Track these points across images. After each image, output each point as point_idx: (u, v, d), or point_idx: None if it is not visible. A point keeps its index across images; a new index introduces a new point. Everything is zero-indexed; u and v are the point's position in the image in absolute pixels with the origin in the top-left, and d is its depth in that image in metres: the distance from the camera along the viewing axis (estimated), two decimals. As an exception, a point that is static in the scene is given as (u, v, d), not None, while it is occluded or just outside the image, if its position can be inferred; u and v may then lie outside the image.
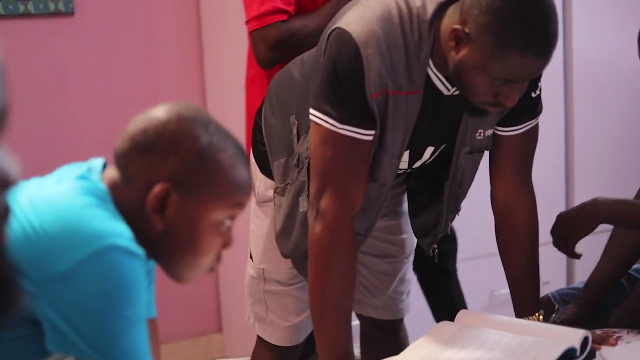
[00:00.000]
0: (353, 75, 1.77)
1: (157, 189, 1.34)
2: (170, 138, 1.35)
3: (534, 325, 1.92)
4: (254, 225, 2.23)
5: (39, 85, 3.31)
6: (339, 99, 1.79)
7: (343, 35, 1.78)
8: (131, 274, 1.28)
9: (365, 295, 2.27)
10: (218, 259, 1.44)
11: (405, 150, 1.92)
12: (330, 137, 1.82)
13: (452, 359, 1.79)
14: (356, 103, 1.79)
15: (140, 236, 1.34)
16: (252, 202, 2.25)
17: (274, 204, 2.09)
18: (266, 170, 2.15)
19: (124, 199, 1.37)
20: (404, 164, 1.98)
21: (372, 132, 1.82)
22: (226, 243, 1.42)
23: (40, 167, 1.65)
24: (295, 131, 2.00)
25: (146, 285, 1.52)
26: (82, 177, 1.37)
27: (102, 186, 1.36)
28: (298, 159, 1.98)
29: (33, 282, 1.25)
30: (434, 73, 1.83)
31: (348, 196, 1.85)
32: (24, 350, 1.32)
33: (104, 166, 1.43)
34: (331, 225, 1.84)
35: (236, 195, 1.40)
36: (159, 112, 1.38)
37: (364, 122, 1.80)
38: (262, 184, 2.18)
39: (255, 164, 2.18)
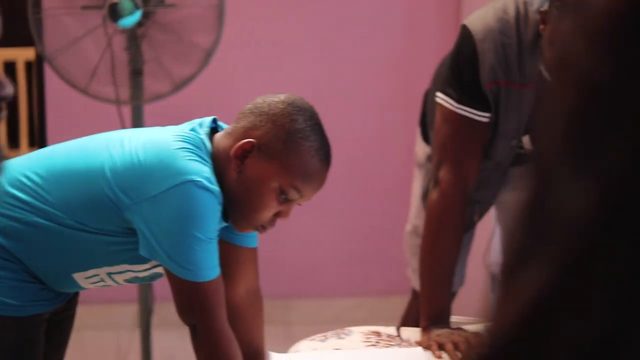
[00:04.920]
0: (470, 67, 1.99)
1: (245, 141, 1.71)
2: (276, 112, 1.72)
3: None
4: (414, 185, 2.51)
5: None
6: (458, 84, 2.03)
7: (465, 31, 2.01)
8: (203, 204, 1.65)
9: None
10: (271, 222, 1.76)
11: (524, 135, 2.09)
12: (450, 116, 2.05)
13: None
14: (472, 90, 2.00)
15: (220, 179, 1.71)
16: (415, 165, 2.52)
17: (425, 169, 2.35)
18: (426, 139, 2.41)
19: (221, 145, 1.75)
20: (528, 146, 2.15)
21: (487, 114, 2.02)
22: (281, 213, 1.74)
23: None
24: None
25: None
26: (192, 129, 1.76)
27: (202, 137, 1.74)
28: None
29: (132, 200, 1.67)
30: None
31: (462, 169, 2.07)
32: (128, 254, 1.75)
33: (214, 121, 1.81)
34: (446, 193, 2.08)
35: (297, 177, 1.71)
36: (282, 95, 1.76)
37: (478, 105, 2.01)
38: (421, 150, 2.44)
39: (420, 132, 2.45)
